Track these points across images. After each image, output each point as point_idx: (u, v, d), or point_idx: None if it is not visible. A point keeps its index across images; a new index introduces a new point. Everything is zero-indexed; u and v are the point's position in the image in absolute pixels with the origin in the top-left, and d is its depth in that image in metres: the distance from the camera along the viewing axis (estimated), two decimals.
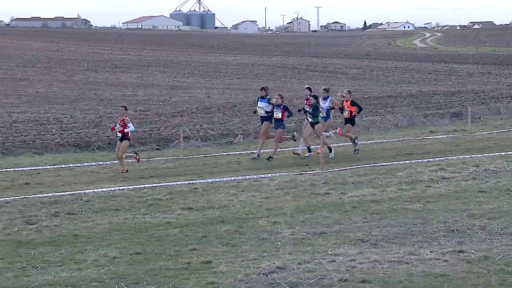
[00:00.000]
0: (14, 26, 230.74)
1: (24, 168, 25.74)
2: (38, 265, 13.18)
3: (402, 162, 24.68)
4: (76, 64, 76.30)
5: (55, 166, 26.16)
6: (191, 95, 52.23)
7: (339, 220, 16.44)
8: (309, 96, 26.83)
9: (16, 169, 25.64)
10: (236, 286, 11.75)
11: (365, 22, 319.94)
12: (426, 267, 12.66)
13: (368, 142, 30.74)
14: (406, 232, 15.24)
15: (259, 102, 27.05)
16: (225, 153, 28.16)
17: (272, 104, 26.28)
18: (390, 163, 24.50)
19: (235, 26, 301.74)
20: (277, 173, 23.25)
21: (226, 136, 34.73)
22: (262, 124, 27.05)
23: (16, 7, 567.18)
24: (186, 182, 22.02)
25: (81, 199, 19.34)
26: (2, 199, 19.56)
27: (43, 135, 34.22)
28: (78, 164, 26.62)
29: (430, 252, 13.62)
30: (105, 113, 41.13)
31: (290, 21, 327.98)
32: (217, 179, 22.34)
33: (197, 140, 32.67)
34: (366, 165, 24.15)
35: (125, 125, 24.35)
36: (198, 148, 30.72)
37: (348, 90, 28.08)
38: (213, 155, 27.42)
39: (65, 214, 17.58)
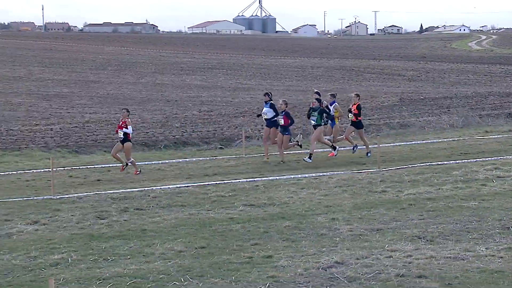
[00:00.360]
0: (87, 32, 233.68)
1: (96, 166, 26.09)
2: (109, 258, 13.32)
3: (457, 161, 24.46)
4: (144, 67, 76.86)
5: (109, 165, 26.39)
6: (253, 96, 52.24)
7: (396, 217, 16.34)
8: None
9: (88, 166, 26.02)
10: (296, 280, 11.74)
11: (421, 25, 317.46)
12: (482, 263, 12.52)
13: (424, 141, 30.54)
14: (461, 229, 15.08)
15: (264, 107, 26.66)
16: (284, 152, 28.17)
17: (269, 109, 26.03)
18: (445, 162, 24.29)
19: (295, 30, 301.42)
20: (335, 171, 23.18)
21: None
22: (266, 126, 26.70)
23: (89, 14, 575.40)
24: (248, 179, 22.06)
25: (149, 195, 19.51)
26: (76, 194, 19.84)
27: (113, 135, 34.56)
28: (146, 162, 26.83)
29: (486, 249, 13.46)
30: (171, 114, 41.36)
31: (348, 25, 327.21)
32: (277, 177, 22.35)
33: (258, 140, 32.70)
34: (422, 164, 23.97)
35: (126, 127, 24.05)
36: (259, 147, 30.73)
37: (356, 94, 27.33)
38: (273, 154, 27.39)
39: (134, 209, 17.74)
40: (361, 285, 11.54)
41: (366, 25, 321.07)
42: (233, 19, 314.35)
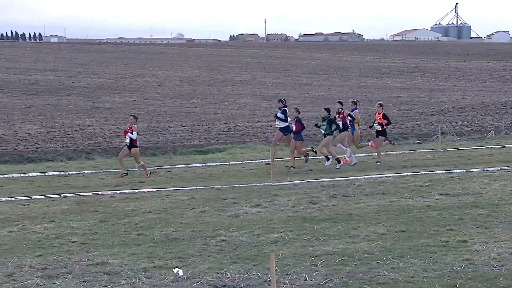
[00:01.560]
0: (302, 41, 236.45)
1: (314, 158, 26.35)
2: (320, 238, 13.43)
3: None
4: (350, 71, 76.93)
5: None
6: (448, 97, 51.12)
7: None
8: (340, 109, 24.45)
9: (301, 158, 26.29)
10: (490, 263, 11.35)
11: None
12: None
13: None
14: None
15: (277, 113, 24.56)
16: (478, 147, 27.31)
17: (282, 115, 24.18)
18: None
19: (489, 36, 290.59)
20: None
21: (479, 132, 33.77)
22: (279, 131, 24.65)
23: (303, 26, 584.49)
24: (443, 171, 21.55)
25: (354, 184, 19.48)
26: (291, 182, 20.14)
27: (314, 131, 34.82)
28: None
29: None
30: (373, 113, 41.18)
31: None
32: (471, 170, 21.68)
33: (453, 135, 32.04)
34: None
35: (131, 132, 22.44)
36: (454, 142, 30.06)
37: (380, 103, 25.13)
38: (467, 148, 26.63)
39: (341, 196, 17.78)
40: None
41: None
42: (431, 27, 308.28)
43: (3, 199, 18.32)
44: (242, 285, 10.68)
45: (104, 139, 31.93)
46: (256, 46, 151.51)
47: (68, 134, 32.87)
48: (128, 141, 22.48)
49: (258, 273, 11.19)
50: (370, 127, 25.25)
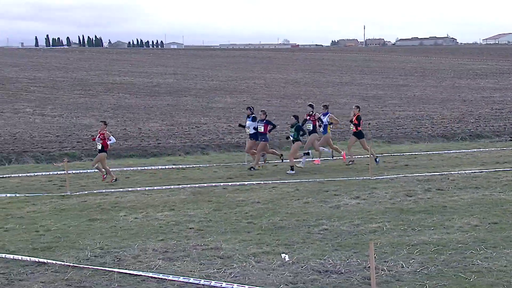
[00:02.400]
0: (398, 45, 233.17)
1: (404, 153, 25.95)
2: (415, 228, 13.20)
3: None
4: (444, 73, 75.20)
5: (428, 152, 26.05)
6: None
7: None
8: (311, 112, 22.93)
9: (398, 154, 25.95)
10: None
11: None
12: None
13: None
14: None
15: (247, 121, 22.88)
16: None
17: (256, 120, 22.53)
18: None
19: None
20: None
21: None
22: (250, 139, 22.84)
23: (400, 31, 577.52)
24: None
25: (448, 178, 19.04)
26: (388, 176, 19.86)
27: (418, 128, 34.21)
28: (446, 151, 26.26)
29: None
30: (467, 111, 40.18)
31: None
32: None
33: None
34: None
35: (105, 139, 20.62)
36: None
37: (357, 106, 23.71)
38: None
39: (435, 189, 17.41)
40: None
41: None
42: None
43: (130, 189, 18.83)
44: (343, 271, 10.63)
45: (217, 135, 32.32)
46: (355, 51, 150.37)
47: (186, 131, 33.44)
48: (99, 147, 20.73)
49: (358, 260, 11.11)
50: (351, 121, 23.66)
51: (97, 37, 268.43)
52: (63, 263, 11.28)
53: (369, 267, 9.94)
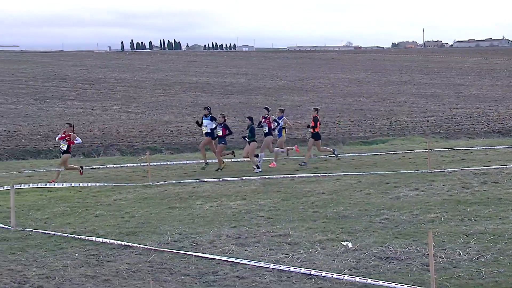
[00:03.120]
0: (456, 47, 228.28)
1: (461, 148, 25.43)
2: (472, 218, 12.90)
3: None
4: (500, 72, 73.36)
5: (484, 147, 25.45)
6: None
7: None
8: (266, 115, 21.49)
9: (455, 148, 25.44)
10: None
11: None
12: None
13: None
14: None
15: (203, 120, 21.76)
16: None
17: (216, 122, 21.34)
18: None
19: None
20: None
21: None
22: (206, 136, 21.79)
23: (457, 33, 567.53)
24: None
25: (503, 172, 18.51)
26: (446, 170, 19.46)
27: (474, 125, 33.50)
28: (501, 146, 25.62)
29: None
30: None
31: None
32: None
33: None
34: None
35: (70, 140, 19.47)
36: None
37: (315, 108, 22.21)
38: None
39: (491, 182, 16.96)
40: None
41: None
42: None
43: (206, 180, 18.99)
44: (403, 257, 10.48)
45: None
46: (414, 52, 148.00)
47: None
48: (65, 148, 19.66)
49: (417, 248, 10.94)
50: (308, 126, 22.45)
51: (176, 41, 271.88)
52: (146, 246, 11.47)
53: (427, 254, 9.78)
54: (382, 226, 12.60)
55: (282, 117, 22.47)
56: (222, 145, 21.40)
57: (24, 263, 10.64)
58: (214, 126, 21.39)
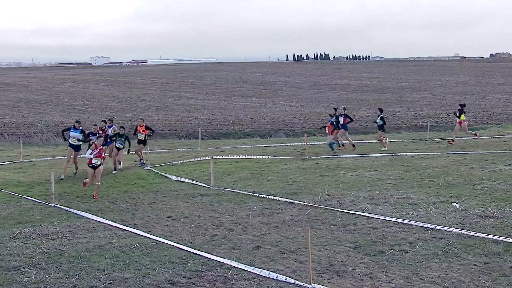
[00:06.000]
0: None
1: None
2: None
3: None
4: None
5: None
6: None
7: None
8: (105, 127, 17.03)
9: None
10: None
11: None
12: None
13: None
14: None
15: (71, 132, 16.20)
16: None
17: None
18: None
19: None
20: None
21: None
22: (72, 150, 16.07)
23: None
24: None
25: None
26: None
27: None
28: None
29: None
30: None
31: None
32: None
33: None
34: None
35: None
36: None
37: (141, 119, 18.26)
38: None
39: None
40: None
41: None
42: None
43: (347, 156, 18.76)
44: (499, 216, 9.87)
45: (407, 120, 31.28)
46: (509, 60, 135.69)
47: (385, 117, 32.66)
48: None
49: (510, 209, 10.29)
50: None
51: (325, 53, 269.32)
52: (304, 203, 11.67)
53: None
54: (483, 192, 11.87)
55: (112, 126, 17.69)
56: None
57: (220, 212, 11.22)
58: (82, 138, 16.20)
